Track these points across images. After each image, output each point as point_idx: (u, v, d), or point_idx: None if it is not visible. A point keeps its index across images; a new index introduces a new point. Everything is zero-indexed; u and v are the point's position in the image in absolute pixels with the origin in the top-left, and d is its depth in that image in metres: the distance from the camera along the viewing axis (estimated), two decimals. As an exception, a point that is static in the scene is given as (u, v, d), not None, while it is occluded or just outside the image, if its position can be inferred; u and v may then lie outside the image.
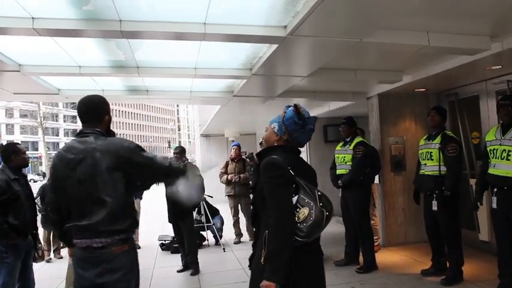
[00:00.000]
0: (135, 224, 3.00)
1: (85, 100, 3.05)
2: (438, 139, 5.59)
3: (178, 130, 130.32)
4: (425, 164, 5.70)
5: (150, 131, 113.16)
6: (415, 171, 6.05)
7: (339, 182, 6.58)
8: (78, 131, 3.03)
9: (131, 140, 3.14)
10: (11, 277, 4.32)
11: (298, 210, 2.44)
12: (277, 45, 4.44)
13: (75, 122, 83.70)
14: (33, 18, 3.88)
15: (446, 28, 4.40)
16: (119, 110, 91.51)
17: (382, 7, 3.55)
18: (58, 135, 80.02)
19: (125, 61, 5.66)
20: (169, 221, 6.98)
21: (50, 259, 8.04)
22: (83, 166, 2.82)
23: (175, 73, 5.97)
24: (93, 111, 3.02)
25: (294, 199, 2.47)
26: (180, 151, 7.16)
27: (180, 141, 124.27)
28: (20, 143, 5.20)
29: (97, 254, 2.80)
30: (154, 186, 3.26)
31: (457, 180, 5.46)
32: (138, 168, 2.89)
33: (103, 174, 2.78)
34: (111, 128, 3.22)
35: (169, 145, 65.77)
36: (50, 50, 5.09)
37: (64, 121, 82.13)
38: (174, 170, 3.11)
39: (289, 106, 2.71)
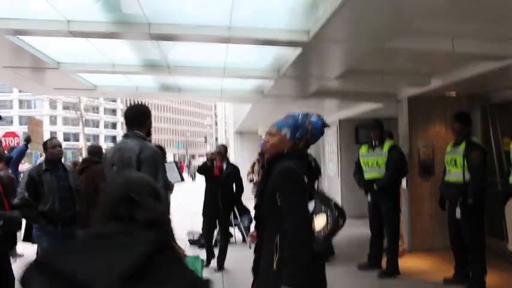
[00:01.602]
0: None
1: (130, 108, 3.63)
2: (463, 146, 5.51)
3: (216, 125, 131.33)
4: (450, 170, 5.64)
5: (187, 125, 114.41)
6: (441, 178, 6.00)
7: (374, 186, 6.43)
8: (123, 134, 3.63)
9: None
10: None
11: (314, 217, 2.50)
12: (301, 48, 4.52)
13: (115, 115, 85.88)
14: (68, 21, 4.11)
15: (471, 33, 4.36)
16: (156, 104, 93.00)
17: (403, 12, 3.57)
18: (98, 127, 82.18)
19: (156, 60, 5.86)
20: (204, 214, 7.12)
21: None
22: (118, 163, 3.33)
23: (204, 72, 6.13)
24: (136, 118, 3.54)
25: (310, 207, 2.53)
26: (218, 152, 7.25)
27: (217, 137, 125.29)
28: (55, 137, 5.49)
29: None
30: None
31: (481, 187, 5.37)
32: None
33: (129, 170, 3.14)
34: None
35: (206, 140, 66.52)
36: (85, 49, 5.34)
37: (104, 113, 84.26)
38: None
39: (307, 114, 2.70)
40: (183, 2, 4.01)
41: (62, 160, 5.16)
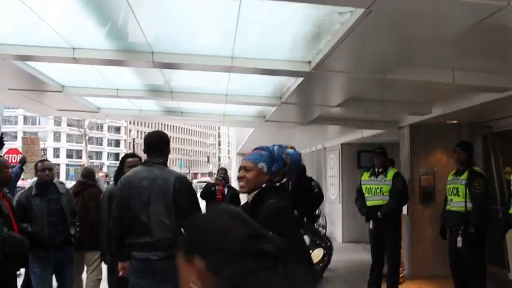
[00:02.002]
0: None
1: (151, 135, 3.69)
2: (465, 175, 5.51)
3: (219, 145, 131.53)
4: (452, 199, 5.63)
5: (190, 144, 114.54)
6: (442, 206, 5.98)
7: (378, 213, 6.36)
8: (144, 160, 3.63)
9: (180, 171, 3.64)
10: (40, 287, 4.63)
11: (311, 251, 2.51)
12: (302, 78, 4.57)
13: (119, 133, 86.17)
14: (73, 48, 4.17)
15: (472, 66, 4.41)
16: (159, 122, 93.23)
17: (400, 45, 3.62)
18: (102, 145, 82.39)
19: (159, 86, 5.93)
20: None
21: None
22: (147, 191, 3.36)
23: (207, 99, 6.19)
24: (158, 145, 3.59)
25: (306, 241, 2.53)
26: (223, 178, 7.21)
27: (219, 157, 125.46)
28: (47, 159, 5.49)
29: (153, 265, 3.32)
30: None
31: (483, 217, 5.36)
32: (181, 203, 3.39)
33: (164, 200, 3.35)
34: None
35: (208, 160, 66.54)
36: (90, 73, 5.40)
37: (108, 131, 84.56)
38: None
39: (280, 146, 2.70)
40: (186, 32, 4.07)
41: (65, 180, 5.16)
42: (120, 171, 4.58)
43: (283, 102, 5.90)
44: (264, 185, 2.57)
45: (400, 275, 6.86)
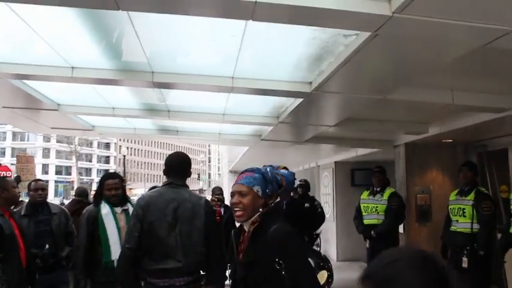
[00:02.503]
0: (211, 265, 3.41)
1: (176, 156, 3.58)
2: (472, 196, 5.42)
3: (209, 162, 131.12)
4: (457, 220, 5.54)
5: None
6: (444, 226, 5.87)
7: (372, 232, 6.44)
8: (169, 181, 3.44)
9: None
10: None
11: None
12: (302, 99, 4.57)
13: (109, 149, 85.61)
14: (72, 67, 4.13)
15: (471, 86, 4.45)
16: (149, 140, 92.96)
17: (404, 67, 3.64)
18: (91, 161, 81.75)
19: (156, 105, 5.89)
20: None
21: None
22: (175, 214, 3.24)
23: (204, 118, 6.16)
24: (184, 168, 3.50)
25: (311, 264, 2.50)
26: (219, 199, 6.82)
27: (209, 173, 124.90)
28: (40, 179, 5.36)
29: None
30: None
31: (491, 238, 5.34)
32: (210, 227, 3.36)
33: (194, 224, 3.26)
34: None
35: (199, 177, 66.20)
36: (85, 91, 5.36)
37: (98, 147, 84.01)
38: (217, 257, 3.44)
39: (272, 166, 2.61)
40: (186, 52, 4.06)
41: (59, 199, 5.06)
42: (100, 193, 4.34)
43: (281, 121, 5.89)
44: (261, 209, 2.41)
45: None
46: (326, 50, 3.36)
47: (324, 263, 2.67)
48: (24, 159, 8.78)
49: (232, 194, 2.44)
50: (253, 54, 3.79)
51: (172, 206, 3.26)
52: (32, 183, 4.82)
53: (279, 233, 2.30)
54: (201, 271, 3.42)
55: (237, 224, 2.58)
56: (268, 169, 2.54)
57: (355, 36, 2.98)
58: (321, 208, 7.61)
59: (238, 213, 2.41)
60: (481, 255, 5.22)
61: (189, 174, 3.53)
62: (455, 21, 2.45)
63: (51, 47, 3.82)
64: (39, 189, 4.71)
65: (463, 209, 5.48)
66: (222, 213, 6.69)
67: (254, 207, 2.39)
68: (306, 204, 7.58)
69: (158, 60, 4.06)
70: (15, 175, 7.86)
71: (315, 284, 2.33)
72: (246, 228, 2.45)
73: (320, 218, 7.74)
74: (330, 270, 2.67)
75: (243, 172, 2.53)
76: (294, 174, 2.67)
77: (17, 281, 3.71)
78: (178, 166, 3.48)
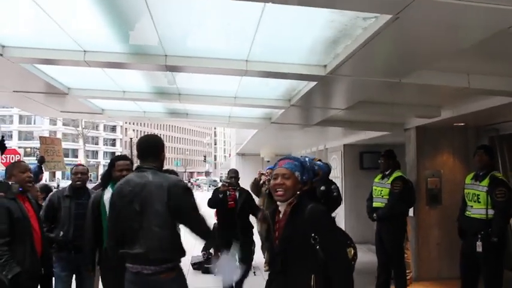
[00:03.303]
0: (182, 253, 3.28)
1: (144, 139, 3.48)
2: (486, 181, 5.34)
3: (215, 144, 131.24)
4: (472, 206, 5.48)
5: (186, 143, 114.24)
6: (460, 208, 5.79)
7: (374, 215, 6.54)
8: (137, 166, 3.41)
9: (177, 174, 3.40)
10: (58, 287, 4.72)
11: None
12: (316, 82, 4.52)
13: (115, 132, 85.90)
14: (84, 51, 4.10)
15: (487, 70, 4.38)
16: (154, 122, 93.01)
17: (422, 51, 3.58)
18: (98, 144, 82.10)
19: (166, 88, 5.86)
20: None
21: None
22: (138, 198, 3.14)
23: (215, 101, 6.13)
24: (151, 150, 3.39)
25: None
26: (230, 183, 6.24)
27: (215, 156, 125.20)
28: (81, 164, 5.44)
29: (147, 280, 3.10)
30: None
31: (505, 225, 5.29)
32: (179, 210, 3.17)
33: (156, 207, 3.11)
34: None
35: (205, 159, 66.26)
36: (96, 75, 5.33)
37: (104, 130, 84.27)
38: (201, 232, 3.33)
39: (309, 158, 2.93)
40: (200, 35, 4.00)
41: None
42: (108, 175, 4.44)
43: (293, 104, 5.85)
44: (298, 192, 2.71)
45: (407, 277, 6.86)
46: (344, 32, 3.31)
47: (349, 241, 2.83)
48: (49, 140, 8.77)
49: (276, 176, 2.73)
50: (268, 38, 3.73)
51: (136, 190, 3.16)
52: (74, 167, 5.06)
53: (314, 210, 2.60)
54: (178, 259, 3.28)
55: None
56: (307, 159, 2.84)
57: (374, 19, 2.93)
58: (338, 192, 7.59)
59: (279, 192, 2.71)
60: (495, 241, 5.20)
61: (161, 157, 3.38)
62: (476, 3, 2.42)
63: (63, 30, 3.78)
64: (78, 173, 4.96)
65: (478, 195, 5.41)
66: (237, 197, 6.16)
67: (294, 190, 2.69)
68: (322, 188, 7.55)
69: (171, 44, 4.01)
70: (39, 156, 7.85)
71: (346, 258, 2.62)
72: (281, 209, 2.77)
73: (334, 202, 7.71)
74: (355, 249, 2.83)
75: (283, 159, 2.82)
76: (328, 165, 2.90)
77: (28, 264, 3.78)
78: (145, 149, 3.39)
